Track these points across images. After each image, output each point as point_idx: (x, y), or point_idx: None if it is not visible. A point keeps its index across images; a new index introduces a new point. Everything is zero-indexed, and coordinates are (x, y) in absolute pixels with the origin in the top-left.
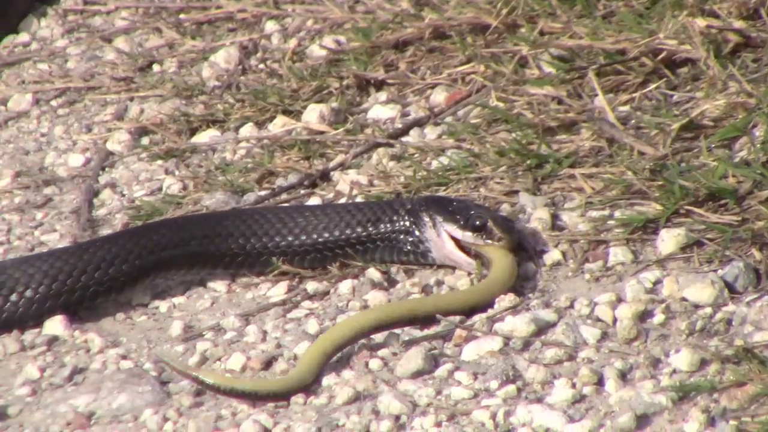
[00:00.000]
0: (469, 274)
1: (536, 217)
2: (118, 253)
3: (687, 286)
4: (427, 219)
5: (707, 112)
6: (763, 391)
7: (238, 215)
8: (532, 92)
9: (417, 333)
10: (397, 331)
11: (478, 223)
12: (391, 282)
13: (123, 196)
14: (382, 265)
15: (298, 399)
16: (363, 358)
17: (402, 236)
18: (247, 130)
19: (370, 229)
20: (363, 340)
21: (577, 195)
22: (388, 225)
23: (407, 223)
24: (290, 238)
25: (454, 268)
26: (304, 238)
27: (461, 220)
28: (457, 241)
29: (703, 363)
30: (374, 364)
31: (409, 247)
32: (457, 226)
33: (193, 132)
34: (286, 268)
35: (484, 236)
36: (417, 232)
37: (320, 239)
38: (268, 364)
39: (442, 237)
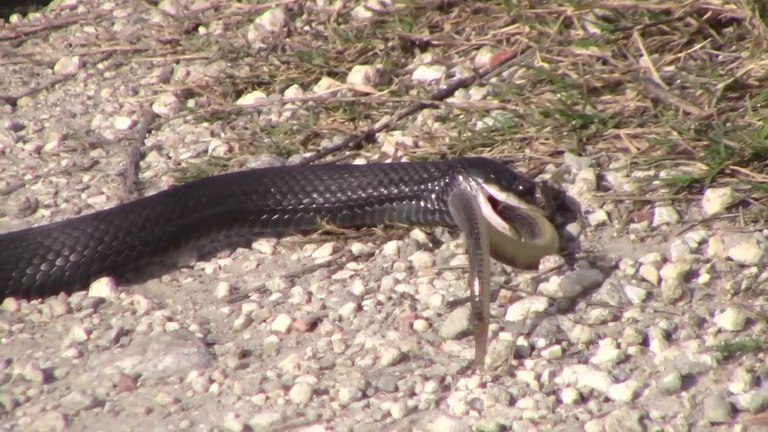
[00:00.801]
0: None
1: (581, 177)
2: (161, 212)
3: (732, 246)
4: (462, 179)
5: (752, 71)
6: None
7: (276, 173)
8: (576, 53)
9: (461, 293)
10: (443, 291)
11: (522, 187)
12: (436, 243)
13: (169, 158)
14: (411, 224)
15: (344, 361)
16: (408, 319)
17: (432, 195)
18: (293, 92)
19: (402, 187)
20: (408, 301)
21: (622, 155)
22: (420, 185)
23: (438, 184)
24: (327, 195)
25: None
26: (339, 195)
27: (505, 182)
28: (494, 204)
29: (749, 322)
30: (419, 325)
31: (435, 206)
32: (499, 188)
33: (239, 94)
34: (329, 228)
35: (528, 200)
36: (448, 192)
37: (353, 197)
38: (313, 325)
39: (479, 198)
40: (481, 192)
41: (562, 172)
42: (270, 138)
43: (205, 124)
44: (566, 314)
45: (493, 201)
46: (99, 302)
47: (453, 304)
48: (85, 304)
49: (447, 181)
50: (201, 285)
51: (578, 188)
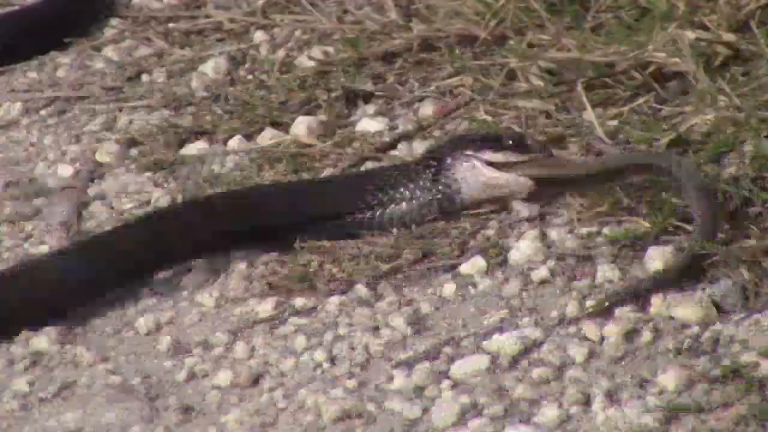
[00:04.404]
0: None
1: (528, 233)
2: None
3: (675, 305)
4: (450, 159)
5: (696, 126)
6: (750, 412)
7: None
8: (520, 105)
9: (406, 355)
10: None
11: (512, 140)
12: (378, 297)
13: (112, 208)
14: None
15: (287, 417)
16: (344, 376)
17: (425, 187)
18: (236, 142)
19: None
20: (347, 358)
21: (565, 211)
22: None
23: (429, 174)
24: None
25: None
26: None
27: (493, 143)
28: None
29: (691, 383)
30: (351, 383)
31: (434, 196)
32: (492, 150)
33: (182, 143)
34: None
35: (523, 151)
36: (443, 177)
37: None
38: (255, 380)
39: (477, 167)
40: (476, 161)
41: (510, 220)
42: (213, 189)
43: (148, 174)
44: (508, 372)
45: (492, 165)
46: (41, 354)
47: (398, 364)
48: (27, 354)
49: (433, 168)
50: (144, 338)
51: (523, 244)
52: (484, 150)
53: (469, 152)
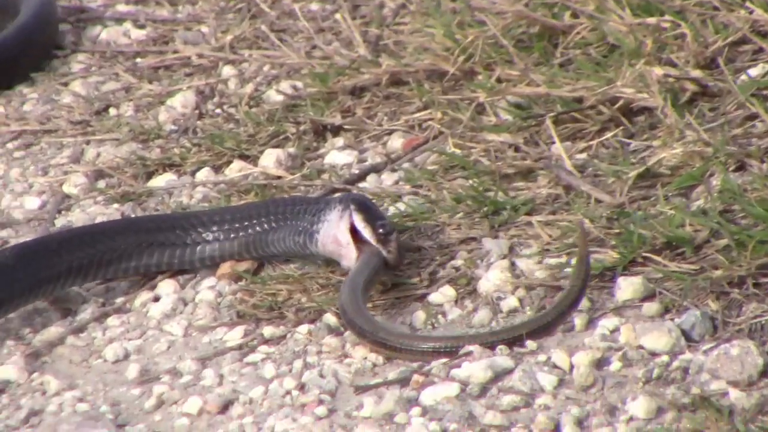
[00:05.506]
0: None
1: (497, 263)
2: None
3: (644, 334)
4: (338, 204)
5: (664, 160)
6: None
7: None
8: (489, 139)
9: (376, 382)
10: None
11: (383, 230)
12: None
13: None
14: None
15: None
16: (312, 404)
17: (300, 218)
18: (204, 174)
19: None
20: (316, 386)
21: (534, 242)
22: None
23: (313, 208)
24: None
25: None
26: None
27: (372, 218)
28: (353, 233)
29: (660, 411)
30: (321, 410)
31: (302, 226)
32: (364, 218)
33: (150, 176)
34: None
35: (380, 241)
36: (319, 214)
37: None
38: (224, 407)
39: (343, 219)
40: (347, 218)
41: (475, 257)
42: None
43: (116, 205)
44: (478, 400)
45: (353, 230)
46: (7, 383)
47: (364, 389)
48: None
49: (320, 205)
50: (112, 366)
51: (492, 274)
52: (361, 213)
53: (354, 207)
